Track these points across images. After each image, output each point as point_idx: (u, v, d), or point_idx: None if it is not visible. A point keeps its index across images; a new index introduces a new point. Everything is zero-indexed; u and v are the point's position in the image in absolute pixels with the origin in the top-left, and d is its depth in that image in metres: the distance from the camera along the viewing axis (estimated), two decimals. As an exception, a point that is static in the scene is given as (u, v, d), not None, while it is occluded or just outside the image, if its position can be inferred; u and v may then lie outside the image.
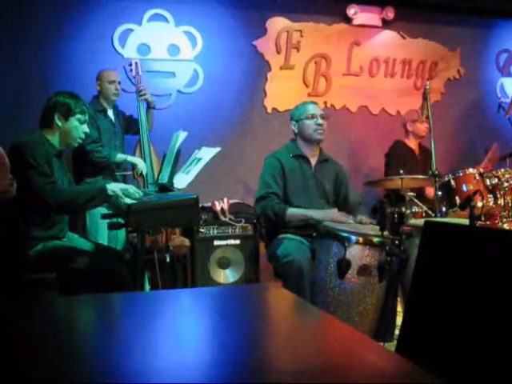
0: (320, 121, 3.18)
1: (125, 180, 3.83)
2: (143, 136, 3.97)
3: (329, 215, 2.95)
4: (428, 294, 1.51)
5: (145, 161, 3.91)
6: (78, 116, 2.74)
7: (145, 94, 4.02)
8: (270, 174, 3.13)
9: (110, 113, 3.94)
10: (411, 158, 4.38)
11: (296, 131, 3.26)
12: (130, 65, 4.25)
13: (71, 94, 2.80)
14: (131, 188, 2.72)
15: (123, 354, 1.03)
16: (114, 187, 2.65)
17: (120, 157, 3.78)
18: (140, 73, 4.20)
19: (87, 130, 2.82)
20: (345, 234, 2.60)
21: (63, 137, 2.75)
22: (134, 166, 3.84)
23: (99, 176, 3.65)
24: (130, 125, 4.14)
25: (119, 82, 3.95)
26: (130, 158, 3.84)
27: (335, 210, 3.03)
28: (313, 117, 3.19)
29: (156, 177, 3.83)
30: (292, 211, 3.01)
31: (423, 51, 5.30)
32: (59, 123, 2.71)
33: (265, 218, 3.08)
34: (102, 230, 3.58)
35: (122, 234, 3.71)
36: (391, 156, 4.42)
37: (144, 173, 3.83)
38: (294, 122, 3.26)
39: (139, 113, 4.03)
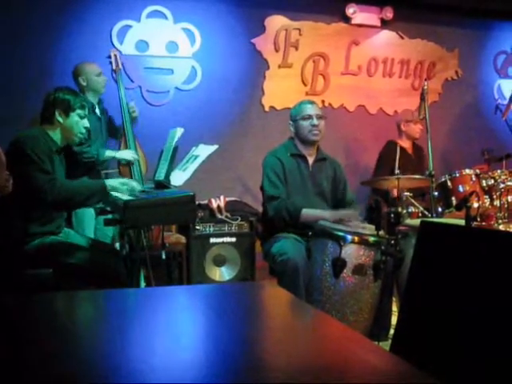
0: (315, 121, 3.16)
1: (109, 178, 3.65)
2: (127, 128, 3.79)
3: (341, 216, 2.94)
4: (423, 293, 1.52)
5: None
6: (78, 111, 2.74)
7: (134, 112, 3.88)
8: (275, 173, 3.12)
9: (97, 108, 3.78)
10: (404, 158, 4.37)
11: (293, 131, 3.25)
12: (109, 57, 4.13)
13: (70, 89, 2.82)
14: (132, 181, 2.72)
15: (118, 351, 1.03)
16: (113, 183, 2.66)
17: (108, 155, 3.55)
18: (120, 65, 4.11)
19: (87, 124, 2.81)
20: (340, 234, 2.60)
21: (65, 133, 2.75)
22: (127, 162, 3.65)
23: (85, 177, 3.38)
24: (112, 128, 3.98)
25: (103, 73, 3.82)
26: (118, 155, 3.63)
27: (350, 212, 3.05)
28: (308, 117, 3.18)
29: (144, 170, 3.80)
30: (306, 212, 2.98)
31: (421, 51, 5.31)
32: (60, 119, 2.71)
33: (278, 219, 3.05)
34: (89, 226, 3.54)
35: (109, 230, 3.68)
36: (381, 157, 4.43)
37: (136, 158, 3.65)
38: (292, 122, 3.26)
39: (121, 105, 3.86)
